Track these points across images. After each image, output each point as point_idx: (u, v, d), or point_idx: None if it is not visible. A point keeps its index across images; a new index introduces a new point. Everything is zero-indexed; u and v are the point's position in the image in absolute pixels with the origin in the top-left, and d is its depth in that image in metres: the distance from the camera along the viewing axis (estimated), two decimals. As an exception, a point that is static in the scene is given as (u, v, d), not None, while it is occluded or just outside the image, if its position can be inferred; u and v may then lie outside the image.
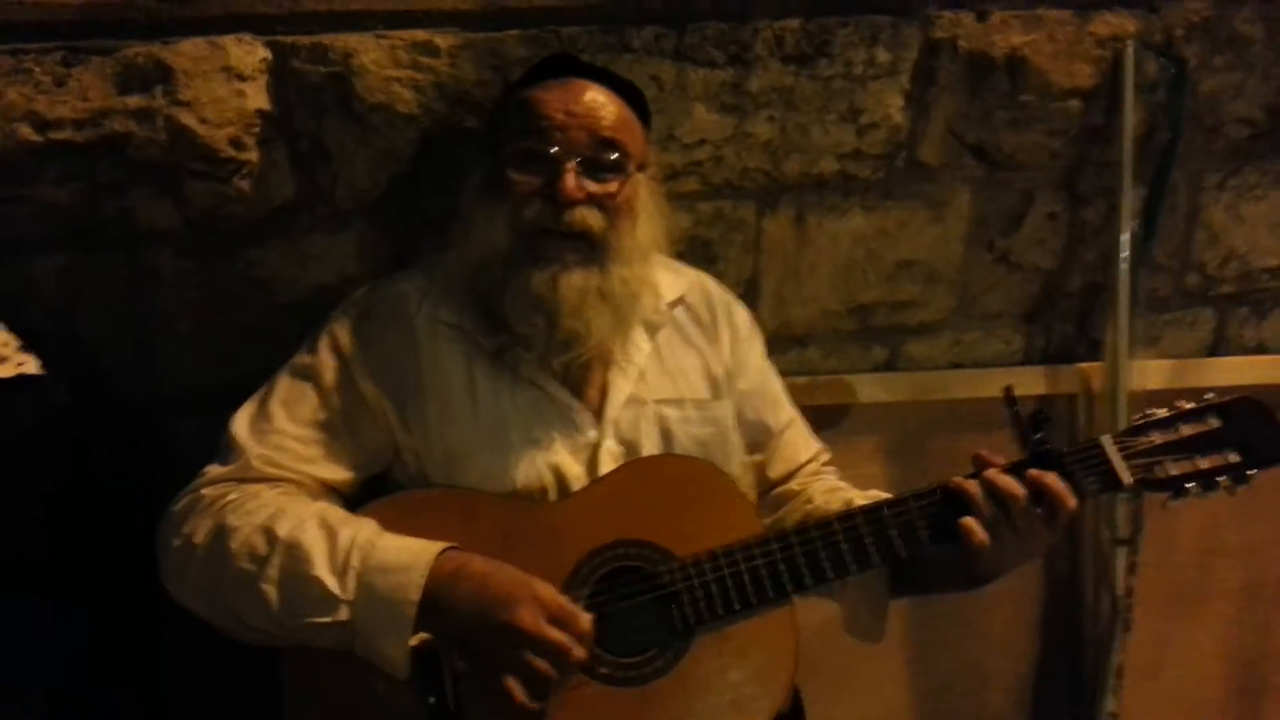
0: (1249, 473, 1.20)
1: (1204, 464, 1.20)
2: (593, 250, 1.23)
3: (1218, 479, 1.20)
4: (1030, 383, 1.81)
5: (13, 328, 1.28)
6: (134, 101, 1.37)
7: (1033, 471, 1.17)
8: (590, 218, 1.22)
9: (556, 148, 1.21)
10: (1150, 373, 1.80)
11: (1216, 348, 1.92)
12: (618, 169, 1.24)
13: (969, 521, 1.15)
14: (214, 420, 1.28)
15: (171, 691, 1.59)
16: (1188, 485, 1.19)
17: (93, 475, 1.49)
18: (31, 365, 1.28)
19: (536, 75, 1.30)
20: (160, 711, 1.59)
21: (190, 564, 1.17)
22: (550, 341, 1.24)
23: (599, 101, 1.24)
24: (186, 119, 1.38)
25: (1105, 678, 1.83)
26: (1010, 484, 1.15)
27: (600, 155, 1.23)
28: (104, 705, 1.51)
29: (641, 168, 1.29)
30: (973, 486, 1.16)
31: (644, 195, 1.29)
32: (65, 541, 1.39)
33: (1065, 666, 1.93)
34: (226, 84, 1.39)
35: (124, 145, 1.38)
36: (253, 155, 1.43)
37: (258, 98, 1.41)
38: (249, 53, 1.40)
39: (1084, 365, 1.83)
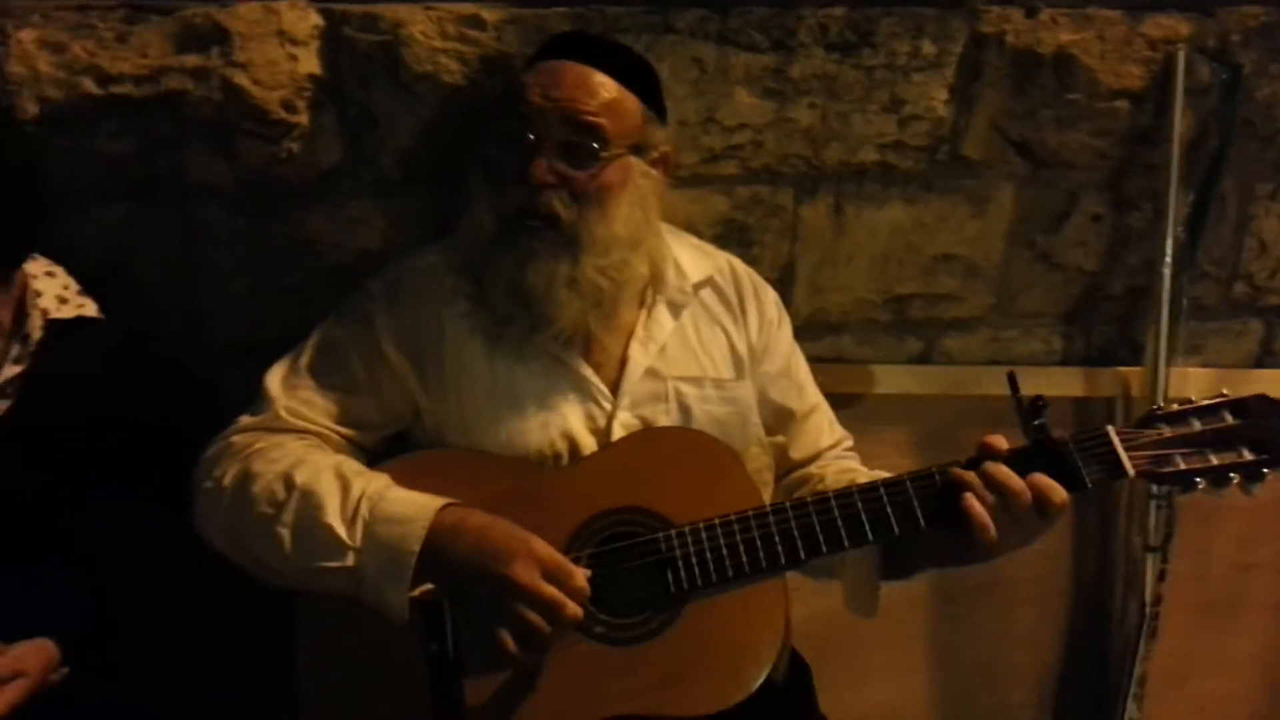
0: (1264, 471, 1.16)
1: (1215, 460, 1.17)
2: (562, 238, 1.24)
3: (1230, 475, 1.16)
4: (1068, 384, 1.79)
5: (74, 273, 1.34)
6: (191, 60, 1.42)
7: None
8: (559, 204, 1.23)
9: (533, 133, 1.23)
10: (1191, 381, 1.76)
11: (1263, 359, 1.87)
12: (594, 154, 1.24)
13: (976, 508, 1.15)
14: (257, 371, 1.34)
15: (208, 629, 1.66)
16: (1196, 480, 1.16)
17: (143, 415, 1.56)
18: (90, 308, 1.33)
19: (542, 55, 1.31)
20: (195, 653, 1.65)
21: (218, 506, 1.23)
22: (525, 324, 1.28)
23: (583, 85, 1.24)
24: (240, 80, 1.43)
25: (1129, 684, 1.80)
26: (1007, 475, 1.15)
27: (577, 139, 1.24)
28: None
29: (639, 150, 1.29)
30: (972, 476, 1.17)
31: (635, 178, 1.28)
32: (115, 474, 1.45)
33: (1089, 670, 1.91)
34: (280, 48, 1.43)
35: (180, 102, 1.43)
36: (303, 118, 1.47)
37: (309, 62, 1.45)
38: (302, 18, 1.44)
39: (1123, 369, 1.80)
